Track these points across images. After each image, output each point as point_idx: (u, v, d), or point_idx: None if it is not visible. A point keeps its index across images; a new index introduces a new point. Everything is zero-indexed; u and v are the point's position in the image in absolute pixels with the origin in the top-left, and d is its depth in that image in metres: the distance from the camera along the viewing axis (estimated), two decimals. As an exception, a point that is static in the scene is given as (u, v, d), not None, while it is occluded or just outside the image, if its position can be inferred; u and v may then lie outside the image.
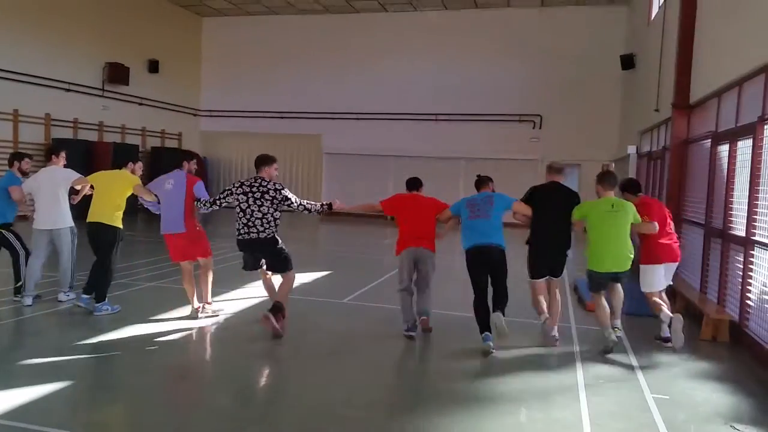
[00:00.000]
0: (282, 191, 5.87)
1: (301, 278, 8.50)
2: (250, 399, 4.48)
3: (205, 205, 6.24)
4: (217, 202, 6.12)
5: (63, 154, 7.06)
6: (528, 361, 5.34)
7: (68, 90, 17.10)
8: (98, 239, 6.43)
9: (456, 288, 7.85)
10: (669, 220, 6.18)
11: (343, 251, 12.12)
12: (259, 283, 6.71)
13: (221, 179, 22.98)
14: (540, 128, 19.91)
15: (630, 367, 5.21)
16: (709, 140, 7.76)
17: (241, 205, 5.83)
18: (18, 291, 6.73)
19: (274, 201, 5.83)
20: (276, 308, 5.76)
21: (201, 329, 6.03)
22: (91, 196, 6.67)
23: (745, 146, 6.48)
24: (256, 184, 5.87)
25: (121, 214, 6.50)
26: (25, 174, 6.98)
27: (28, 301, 6.59)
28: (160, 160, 18.35)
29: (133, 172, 6.75)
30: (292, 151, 22.49)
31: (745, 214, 6.16)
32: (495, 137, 20.05)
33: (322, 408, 4.16)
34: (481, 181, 6.20)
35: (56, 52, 16.64)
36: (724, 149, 7.19)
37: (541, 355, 5.56)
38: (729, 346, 6.01)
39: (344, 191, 21.65)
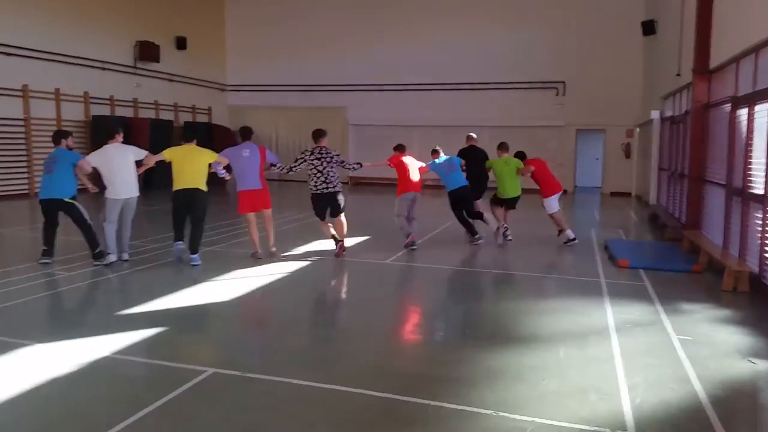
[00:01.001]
0: (338, 155, 8.25)
1: (346, 242, 9.16)
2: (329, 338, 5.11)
3: (283, 169, 8.45)
4: (294, 168, 8.22)
5: (121, 132, 7.88)
6: (561, 310, 5.89)
7: (104, 69, 17.75)
8: (195, 203, 7.56)
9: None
10: (549, 170, 9.93)
11: (374, 218, 12.70)
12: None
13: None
14: (564, 94, 20.12)
15: (656, 313, 5.74)
16: (729, 104, 8.10)
17: (318, 167, 8.02)
18: (97, 256, 7.43)
19: (334, 162, 8.09)
20: (341, 241, 8.29)
21: (269, 282, 6.68)
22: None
23: (762, 109, 6.85)
24: (324, 151, 8.11)
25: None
26: (70, 149, 7.67)
27: (113, 257, 7.45)
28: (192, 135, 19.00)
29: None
30: (317, 124, 22.74)
31: (764, 174, 6.57)
32: (519, 104, 20.33)
33: (386, 343, 4.77)
34: (438, 151, 9.75)
35: (91, 32, 17.24)
36: (743, 113, 7.55)
37: (573, 304, 6.10)
38: (749, 295, 6.49)
39: (371, 161, 22.14)
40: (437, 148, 9.81)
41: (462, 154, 9.98)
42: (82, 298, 6.38)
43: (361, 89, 22.09)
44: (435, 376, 4.15)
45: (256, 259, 7.94)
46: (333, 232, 8.35)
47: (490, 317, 5.74)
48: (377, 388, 3.88)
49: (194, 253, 7.61)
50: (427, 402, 3.70)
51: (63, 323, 5.58)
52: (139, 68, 19.09)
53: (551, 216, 9.73)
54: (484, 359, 4.47)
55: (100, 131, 16.61)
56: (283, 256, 8.09)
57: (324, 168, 8.02)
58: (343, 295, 6.86)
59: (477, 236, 9.38)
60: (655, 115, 14.61)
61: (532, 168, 9.69)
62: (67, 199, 7.33)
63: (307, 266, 7.72)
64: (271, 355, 4.61)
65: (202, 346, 4.86)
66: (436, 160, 9.54)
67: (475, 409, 3.61)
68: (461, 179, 9.40)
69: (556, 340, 4.93)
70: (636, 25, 17.09)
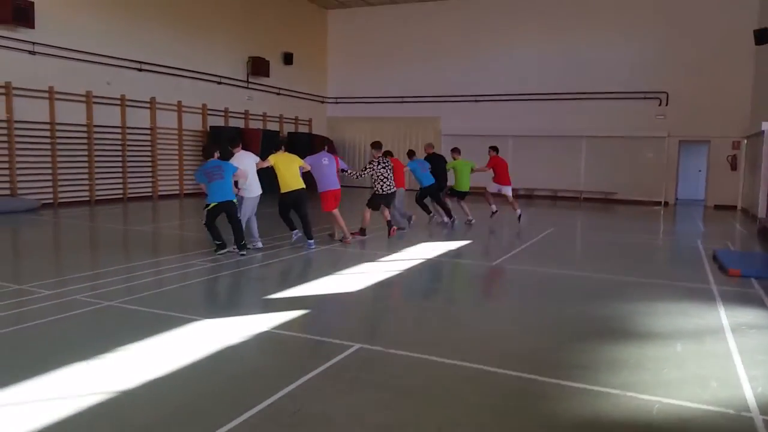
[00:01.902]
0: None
1: (450, 245, 9.69)
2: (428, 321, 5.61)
3: (353, 174, 10.60)
4: (363, 174, 10.56)
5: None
6: (675, 312, 6.08)
7: (219, 83, 19.22)
8: (301, 200, 9.15)
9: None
10: (506, 168, 13.39)
11: (473, 225, 13.13)
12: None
13: (347, 161, 24.62)
14: (666, 105, 19.70)
15: (771, 319, 5.83)
16: None
17: (385, 174, 10.45)
18: (242, 247, 8.51)
19: (390, 169, 10.62)
20: (392, 226, 10.74)
21: (388, 276, 7.29)
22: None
23: None
24: (386, 161, 10.61)
25: None
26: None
27: (259, 244, 8.96)
28: (295, 144, 20.20)
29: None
30: (411, 133, 23.66)
31: None
32: (618, 115, 20.11)
33: (509, 332, 5.21)
34: (413, 153, 13.01)
35: (210, 50, 18.78)
36: None
37: (687, 307, 6.27)
38: None
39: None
40: (411, 149, 13.10)
41: (428, 159, 12.55)
42: (231, 284, 7.23)
43: (455, 99, 22.56)
44: (560, 362, 4.53)
45: (347, 242, 9.73)
46: (387, 216, 10.73)
47: (606, 316, 6.01)
48: (509, 368, 4.33)
49: (311, 239, 9.21)
50: (557, 381, 4.11)
51: (220, 304, 6.42)
52: (250, 82, 20.53)
53: (510, 198, 13.26)
54: (606, 351, 4.81)
55: (216, 140, 18.13)
56: (387, 257, 8.72)
57: (389, 174, 10.50)
58: (460, 289, 7.30)
59: (452, 218, 12.37)
60: (766, 126, 14.14)
61: (485, 167, 13.22)
62: (234, 200, 8.55)
63: (417, 265, 8.27)
64: (406, 336, 5.15)
65: (345, 325, 5.48)
66: (410, 162, 12.23)
67: (603, 389, 3.98)
68: (431, 178, 11.99)
69: (672, 337, 5.18)
70: (747, 33, 16.54)
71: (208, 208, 8.41)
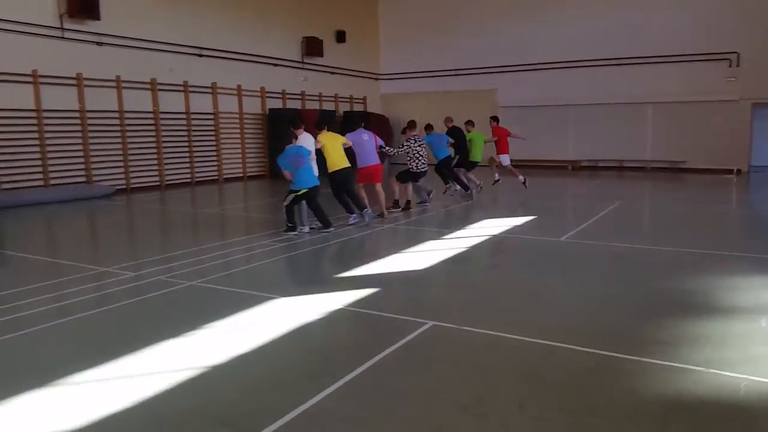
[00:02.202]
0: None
1: (515, 221, 9.61)
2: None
3: (390, 151, 10.90)
4: (400, 152, 10.97)
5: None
6: (758, 286, 5.86)
7: (276, 65, 19.46)
8: (349, 177, 9.36)
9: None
10: (507, 137, 13.58)
11: (534, 199, 12.91)
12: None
13: (401, 136, 24.55)
14: (737, 66, 18.67)
15: None
16: None
17: (420, 152, 10.80)
18: (326, 226, 8.84)
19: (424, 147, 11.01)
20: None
21: (455, 254, 7.32)
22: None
23: None
24: (419, 139, 11.00)
25: None
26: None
27: (306, 229, 8.83)
28: (350, 123, 20.31)
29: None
30: (467, 107, 23.28)
31: None
32: (685, 79, 19.22)
33: (584, 308, 5.15)
34: (431, 127, 12.33)
35: (266, 32, 19.00)
36: None
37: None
38: None
39: (520, 143, 22.12)
40: (431, 124, 12.65)
41: (449, 132, 12.61)
42: (301, 263, 7.43)
43: (512, 70, 22.06)
44: (639, 338, 4.45)
45: (383, 216, 10.00)
46: (409, 195, 10.93)
47: (684, 290, 5.83)
48: (586, 345, 4.29)
49: (353, 213, 9.40)
50: (637, 358, 4.05)
51: (294, 282, 6.62)
52: (305, 63, 20.69)
53: (509, 168, 13.60)
54: (686, 326, 4.69)
55: (275, 123, 18.48)
56: (450, 234, 8.74)
57: (424, 152, 10.86)
58: (530, 265, 7.18)
59: (469, 190, 12.46)
60: None
61: (496, 138, 13.52)
62: (319, 185, 8.79)
63: (483, 242, 8.24)
64: (479, 313, 5.17)
65: (416, 303, 5.55)
66: (427, 136, 11.91)
67: (685, 366, 3.90)
68: (445, 152, 12.07)
69: (756, 312, 5.01)
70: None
71: (298, 193, 8.58)
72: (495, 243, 8.23)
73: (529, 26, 21.49)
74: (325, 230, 8.75)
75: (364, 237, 8.75)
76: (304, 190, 8.55)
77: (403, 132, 11.22)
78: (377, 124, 21.63)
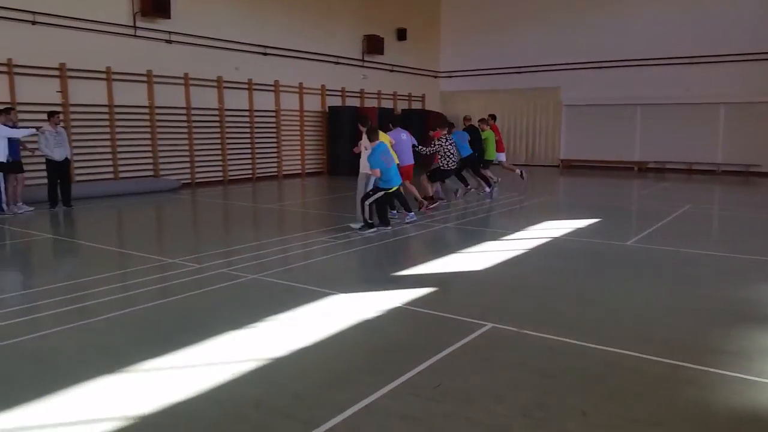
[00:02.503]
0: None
1: (578, 224, 9.39)
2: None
3: (422, 150, 10.89)
4: (432, 151, 10.93)
5: None
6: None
7: (337, 63, 19.65)
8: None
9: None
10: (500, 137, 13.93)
11: (598, 201, 12.58)
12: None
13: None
14: (820, 65, 17.61)
15: None
16: None
17: (452, 150, 10.96)
18: (371, 226, 8.84)
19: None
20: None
21: (514, 255, 7.22)
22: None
23: None
24: (451, 138, 11.01)
25: None
26: None
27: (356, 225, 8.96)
28: (408, 120, 20.29)
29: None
30: (528, 105, 22.97)
31: None
32: (760, 78, 18.24)
33: (646, 314, 4.98)
34: (453, 125, 11.89)
35: (327, 30, 19.20)
36: None
37: None
38: None
39: (585, 143, 21.65)
40: (452, 122, 13.00)
41: (466, 131, 12.69)
42: (359, 260, 7.47)
43: (576, 67, 21.52)
44: (708, 348, 4.28)
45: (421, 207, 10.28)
46: (431, 192, 10.95)
47: (756, 299, 5.57)
48: (652, 353, 4.15)
49: (410, 211, 9.47)
50: (705, 368, 3.89)
51: (352, 279, 6.64)
52: (365, 60, 20.82)
53: (505, 165, 14.56)
54: (757, 337, 4.48)
55: (334, 120, 18.70)
56: (510, 235, 8.61)
57: (455, 150, 11.05)
58: (593, 269, 6.95)
59: (492, 187, 12.55)
60: None
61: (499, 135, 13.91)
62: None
63: (544, 244, 8.07)
64: (540, 316, 5.07)
65: (475, 303, 5.47)
66: (453, 134, 11.47)
67: (758, 378, 3.72)
68: (469, 149, 12.10)
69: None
70: None
71: (389, 191, 8.70)
72: (556, 245, 8.05)
73: (597, 21, 20.89)
74: (384, 228, 8.78)
75: (421, 236, 8.74)
76: (393, 188, 8.66)
77: (434, 130, 11.43)
78: (435, 122, 21.53)
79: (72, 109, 13.01)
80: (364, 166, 9.06)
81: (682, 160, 19.91)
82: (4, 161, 10.26)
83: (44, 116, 11.23)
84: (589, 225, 9.49)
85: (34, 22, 12.31)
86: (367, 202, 8.70)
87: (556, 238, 8.41)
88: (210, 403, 3.47)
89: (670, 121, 19.82)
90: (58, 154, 10.92)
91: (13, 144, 10.52)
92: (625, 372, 3.91)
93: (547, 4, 21.83)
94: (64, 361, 4.11)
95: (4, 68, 11.90)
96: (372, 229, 8.65)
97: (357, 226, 8.83)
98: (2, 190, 10.33)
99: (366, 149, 8.96)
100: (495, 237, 8.49)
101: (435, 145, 10.95)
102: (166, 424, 3.24)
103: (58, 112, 11.59)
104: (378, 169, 8.57)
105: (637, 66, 20.31)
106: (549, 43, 21.84)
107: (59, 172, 11.05)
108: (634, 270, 6.79)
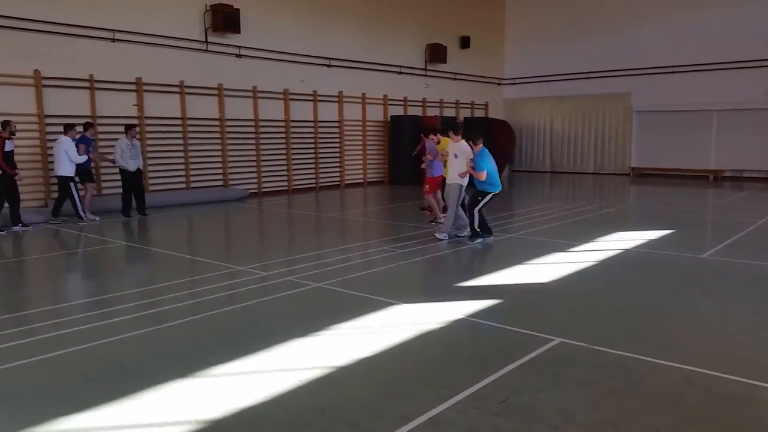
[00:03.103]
0: None
1: (650, 235, 9.06)
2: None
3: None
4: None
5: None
6: None
7: (400, 72, 19.76)
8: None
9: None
10: None
11: (671, 211, 12.06)
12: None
13: (523, 143, 24.02)
14: None
15: None
16: None
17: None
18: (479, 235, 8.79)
19: None
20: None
21: (580, 268, 7.02)
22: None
23: None
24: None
25: None
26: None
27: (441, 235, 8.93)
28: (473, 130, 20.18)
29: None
30: (597, 112, 22.35)
31: None
32: None
33: (712, 331, 4.73)
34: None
35: (390, 41, 19.35)
36: None
37: None
38: None
39: (657, 151, 20.84)
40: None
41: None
42: (422, 270, 7.48)
43: (648, 73, 20.78)
44: (795, 369, 4.02)
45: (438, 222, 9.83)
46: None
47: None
48: (728, 372, 3.94)
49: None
50: (794, 391, 3.65)
51: (415, 289, 6.65)
52: (428, 69, 20.84)
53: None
54: None
55: (396, 130, 18.80)
56: (577, 247, 8.37)
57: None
58: (666, 283, 6.65)
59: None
60: None
61: None
62: None
63: (614, 256, 7.80)
64: (610, 332, 4.90)
65: (541, 317, 5.36)
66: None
67: None
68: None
69: None
70: None
71: (495, 194, 8.62)
72: (627, 258, 7.76)
73: (668, 25, 20.13)
74: (488, 238, 8.75)
75: (486, 246, 8.62)
76: (497, 191, 8.64)
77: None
78: (499, 130, 21.31)
79: (147, 121, 13.63)
80: (453, 177, 8.79)
81: (761, 168, 18.84)
82: (72, 175, 10.79)
83: (122, 128, 11.82)
84: (662, 236, 9.11)
85: (113, 40, 13.00)
86: (476, 210, 8.56)
87: (626, 250, 8.11)
88: (277, 408, 3.54)
89: (748, 127, 18.82)
90: (132, 165, 11.49)
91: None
92: (701, 391, 3.72)
93: (616, 9, 21.23)
94: (141, 365, 4.29)
95: (86, 84, 12.61)
96: (480, 239, 8.61)
97: (442, 236, 8.79)
98: (77, 198, 10.92)
99: (456, 157, 8.75)
100: (562, 248, 8.26)
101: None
102: (235, 428, 3.33)
103: (135, 125, 12.18)
104: (485, 171, 8.39)
105: (713, 70, 19.42)
106: (618, 47, 21.21)
107: (133, 181, 11.60)
108: (710, 284, 6.48)
